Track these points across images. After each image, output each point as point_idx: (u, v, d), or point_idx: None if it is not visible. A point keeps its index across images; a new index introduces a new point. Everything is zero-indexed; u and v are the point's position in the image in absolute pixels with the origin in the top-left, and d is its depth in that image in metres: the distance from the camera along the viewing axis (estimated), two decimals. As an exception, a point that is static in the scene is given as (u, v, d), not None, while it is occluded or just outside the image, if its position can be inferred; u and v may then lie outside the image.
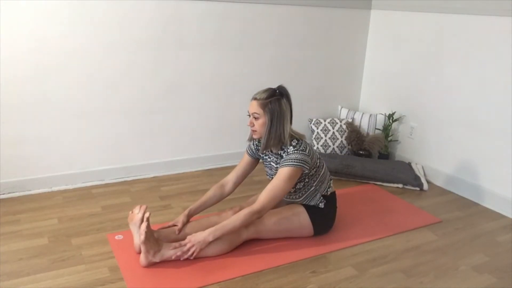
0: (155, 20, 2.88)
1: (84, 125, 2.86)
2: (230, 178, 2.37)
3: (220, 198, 2.36)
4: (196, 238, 2.06)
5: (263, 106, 2.10)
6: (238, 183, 2.38)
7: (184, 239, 2.11)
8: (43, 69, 2.64)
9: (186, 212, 2.26)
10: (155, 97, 3.04)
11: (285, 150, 2.16)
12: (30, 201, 2.69)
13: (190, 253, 2.05)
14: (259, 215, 2.10)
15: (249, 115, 2.17)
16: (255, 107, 2.13)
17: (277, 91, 2.14)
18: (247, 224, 2.13)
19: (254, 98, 2.14)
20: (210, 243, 2.08)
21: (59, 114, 2.77)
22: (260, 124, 2.14)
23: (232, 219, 2.07)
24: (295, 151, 2.12)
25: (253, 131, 2.20)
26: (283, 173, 2.10)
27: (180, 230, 2.19)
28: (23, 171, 2.76)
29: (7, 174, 2.72)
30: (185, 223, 2.22)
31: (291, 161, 2.10)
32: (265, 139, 2.15)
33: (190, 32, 3.02)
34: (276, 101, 2.11)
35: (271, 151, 2.25)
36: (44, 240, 2.26)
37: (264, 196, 2.09)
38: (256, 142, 2.34)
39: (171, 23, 2.93)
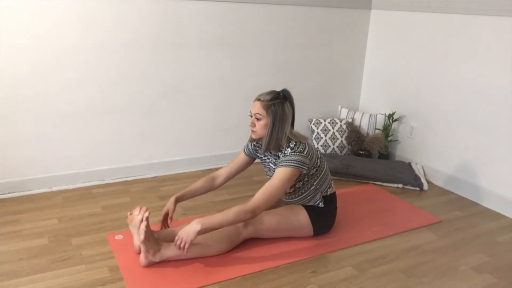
0: (155, 20, 2.88)
1: (84, 125, 2.86)
2: (223, 173, 2.38)
3: (209, 190, 2.37)
4: (184, 230, 1.99)
5: (266, 108, 2.11)
6: (229, 179, 2.40)
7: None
8: (43, 69, 2.64)
9: (172, 199, 2.27)
10: (155, 97, 3.05)
11: (283, 151, 2.17)
12: (30, 201, 2.69)
13: (182, 246, 1.98)
14: (252, 214, 2.03)
15: (251, 116, 2.17)
16: (258, 108, 2.13)
17: (281, 94, 2.14)
18: (239, 221, 2.06)
19: (258, 99, 2.15)
20: (209, 243, 2.09)
21: (59, 114, 2.77)
22: (261, 126, 2.14)
23: (223, 213, 2.01)
24: (292, 153, 2.12)
25: (253, 131, 2.20)
26: (280, 173, 2.10)
27: (171, 219, 2.24)
28: (23, 171, 2.76)
29: (7, 174, 2.72)
30: (174, 210, 2.26)
31: (288, 162, 2.10)
32: (266, 141, 2.15)
33: (190, 32, 3.02)
34: (279, 104, 2.11)
35: (270, 152, 2.26)
36: (44, 240, 2.26)
37: (259, 195, 2.06)
38: (255, 143, 2.34)
39: (170, 23, 2.93)
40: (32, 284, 1.91)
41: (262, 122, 2.14)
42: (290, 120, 2.16)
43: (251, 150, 2.36)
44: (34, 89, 2.66)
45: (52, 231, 2.35)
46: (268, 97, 2.12)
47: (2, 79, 2.55)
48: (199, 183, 2.35)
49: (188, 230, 1.98)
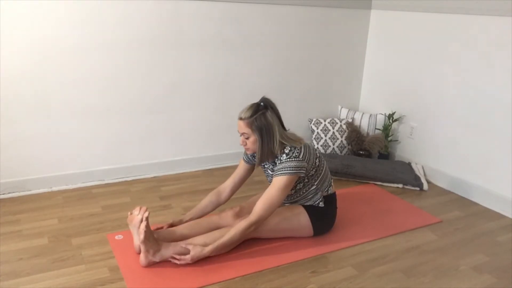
0: (155, 20, 2.88)
1: (84, 125, 2.86)
2: (227, 185, 2.36)
3: (217, 206, 2.35)
4: (199, 256, 2.05)
5: (250, 124, 2.10)
6: (235, 190, 2.38)
7: (182, 239, 2.12)
8: (43, 69, 2.64)
9: (179, 219, 2.28)
10: (155, 97, 3.05)
11: (279, 157, 2.16)
12: (30, 201, 2.69)
13: (179, 261, 2.06)
14: (256, 225, 2.11)
15: (240, 135, 2.17)
16: (242, 127, 2.12)
17: (261, 104, 2.13)
18: (245, 236, 2.15)
19: (240, 118, 2.14)
20: (209, 243, 2.09)
21: (59, 114, 2.77)
22: (252, 142, 2.14)
23: (231, 233, 2.07)
24: (288, 159, 2.12)
25: (247, 149, 2.20)
26: (278, 182, 2.10)
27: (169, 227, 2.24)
28: (23, 171, 2.76)
29: (7, 174, 2.72)
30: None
31: (285, 170, 2.10)
32: (259, 155, 2.15)
33: (190, 32, 3.02)
34: (261, 116, 2.09)
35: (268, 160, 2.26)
36: (44, 240, 2.26)
37: (260, 206, 2.09)
38: None
39: (171, 23, 2.93)
40: (32, 284, 1.91)
41: (251, 139, 2.14)
42: (277, 127, 2.13)
43: (250, 157, 2.34)
44: (34, 89, 2.66)
45: (52, 231, 2.35)
46: (248, 114, 2.11)
47: (2, 79, 2.55)
48: (205, 201, 2.33)
49: (201, 257, 2.05)
